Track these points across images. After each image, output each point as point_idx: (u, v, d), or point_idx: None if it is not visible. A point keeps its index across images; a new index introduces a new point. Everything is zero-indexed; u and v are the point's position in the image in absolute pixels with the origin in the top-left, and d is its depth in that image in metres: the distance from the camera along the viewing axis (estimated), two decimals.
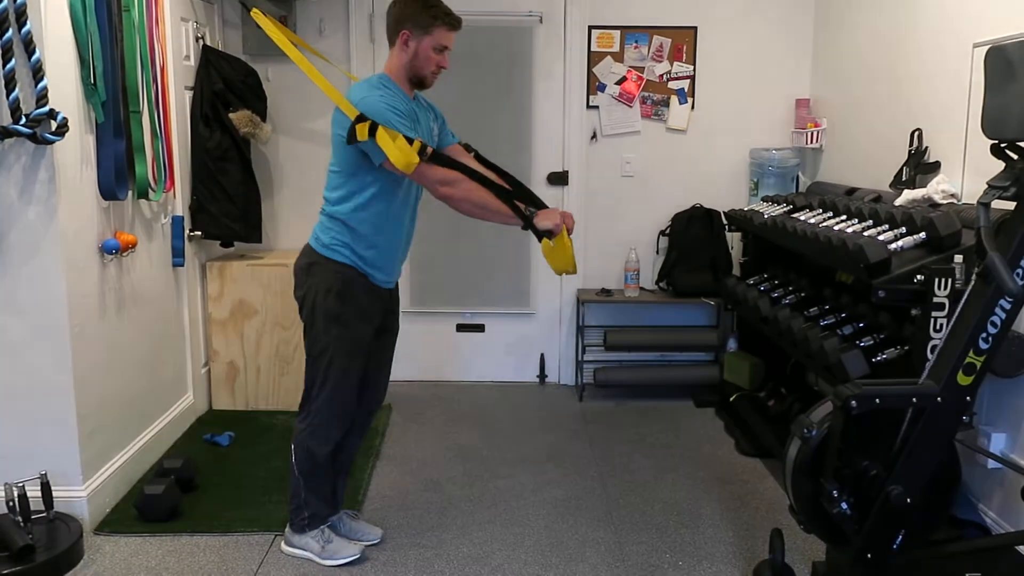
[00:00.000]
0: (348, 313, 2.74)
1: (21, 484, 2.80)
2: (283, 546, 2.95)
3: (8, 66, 2.64)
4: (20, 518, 2.78)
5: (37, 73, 2.69)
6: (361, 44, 4.59)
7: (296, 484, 2.85)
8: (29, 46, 2.67)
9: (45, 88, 2.71)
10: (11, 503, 2.79)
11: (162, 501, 3.09)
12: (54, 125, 2.74)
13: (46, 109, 2.71)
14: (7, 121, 2.67)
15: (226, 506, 3.26)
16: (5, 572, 2.64)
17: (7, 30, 2.62)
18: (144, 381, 3.57)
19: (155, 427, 3.68)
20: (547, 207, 2.78)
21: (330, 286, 2.72)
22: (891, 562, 2.33)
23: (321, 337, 2.75)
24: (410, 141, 2.52)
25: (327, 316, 2.73)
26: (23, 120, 2.67)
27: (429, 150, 2.56)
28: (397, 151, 2.49)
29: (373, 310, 2.83)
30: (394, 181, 2.68)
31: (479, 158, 2.95)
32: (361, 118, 2.53)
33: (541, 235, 2.61)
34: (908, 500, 2.24)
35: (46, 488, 2.87)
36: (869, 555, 2.32)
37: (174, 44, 3.81)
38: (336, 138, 2.67)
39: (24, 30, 2.65)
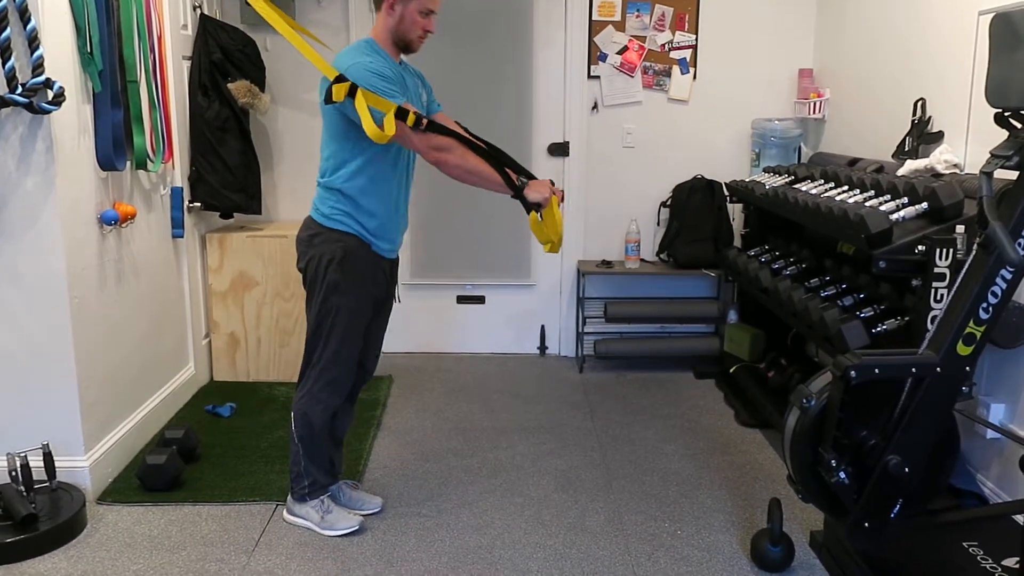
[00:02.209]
0: (349, 282, 2.75)
1: (24, 454, 2.81)
2: (285, 514, 2.97)
3: (3, 35, 2.60)
4: (23, 488, 2.80)
5: (33, 42, 2.67)
6: (360, 12, 4.54)
7: (296, 452, 2.87)
8: (24, 15, 2.64)
9: (41, 57, 2.68)
10: (14, 473, 2.80)
11: (164, 471, 3.10)
12: (50, 95, 2.72)
13: (42, 78, 2.68)
14: (3, 91, 2.65)
15: (227, 476, 3.28)
16: (9, 541, 2.67)
17: None
18: (145, 352, 3.58)
19: (157, 398, 3.69)
20: (534, 177, 2.78)
21: (332, 256, 2.72)
22: (889, 531, 2.35)
23: (322, 307, 2.75)
24: (404, 113, 2.51)
25: (329, 286, 2.73)
26: (19, 89, 2.65)
27: (424, 122, 2.55)
28: (369, 119, 2.47)
29: (374, 279, 2.84)
30: (385, 146, 2.66)
31: (465, 130, 2.94)
32: (340, 79, 2.50)
33: (530, 207, 2.60)
34: (906, 470, 2.25)
35: (48, 458, 2.88)
36: (867, 524, 2.33)
37: (171, 13, 3.77)
38: (325, 108, 2.65)
39: None
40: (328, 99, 2.52)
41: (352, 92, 2.49)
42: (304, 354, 2.85)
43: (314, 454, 2.87)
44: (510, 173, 2.65)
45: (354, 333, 2.82)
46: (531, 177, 2.76)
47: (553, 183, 2.81)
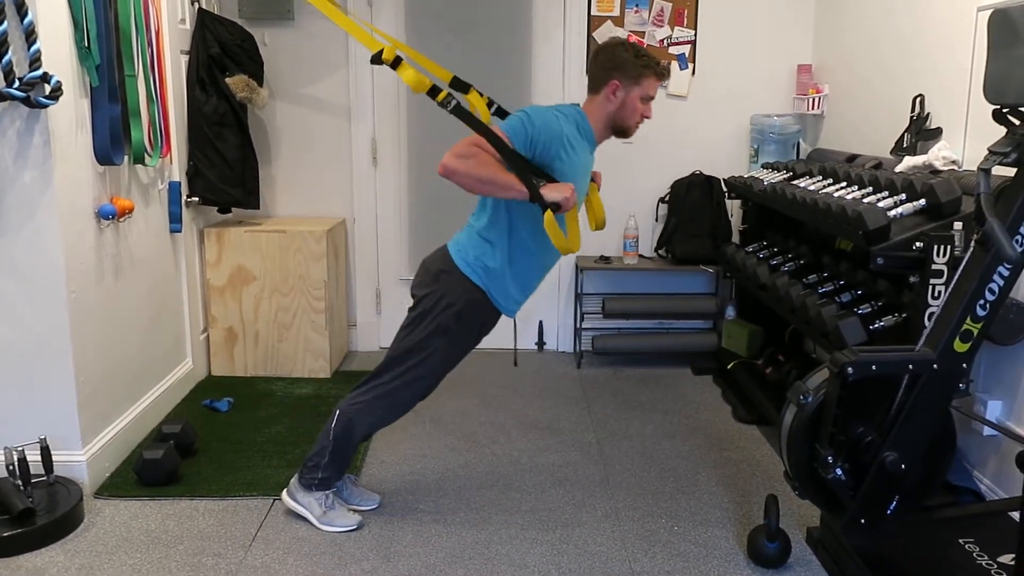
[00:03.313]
0: (459, 331, 2.74)
1: (21, 448, 2.82)
2: (284, 496, 2.96)
3: (0, 29, 2.60)
4: (20, 482, 2.80)
5: (30, 36, 2.66)
6: (359, 12, 4.53)
7: (324, 446, 2.84)
8: (21, 8, 2.63)
9: (38, 51, 2.67)
10: (11, 467, 2.81)
11: (161, 465, 3.10)
12: (48, 89, 2.71)
13: (39, 72, 2.68)
14: (0, 85, 2.64)
15: (225, 471, 3.28)
16: (6, 535, 2.67)
17: None
18: (143, 347, 3.58)
19: (154, 392, 3.69)
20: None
21: (453, 301, 2.70)
22: (885, 528, 2.35)
23: (423, 341, 2.73)
24: (437, 91, 2.50)
25: (438, 327, 2.71)
26: (16, 84, 2.64)
27: (452, 103, 2.50)
28: (413, 74, 2.48)
29: (481, 333, 2.84)
30: (537, 215, 2.58)
31: None
32: (391, 51, 2.52)
33: (546, 206, 2.53)
34: (903, 466, 2.25)
35: (46, 452, 2.89)
36: (863, 521, 2.33)
37: (169, 7, 3.76)
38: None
39: None
40: (376, 59, 2.52)
41: (395, 64, 2.49)
42: (379, 366, 2.82)
43: (339, 456, 2.86)
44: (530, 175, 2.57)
45: (436, 375, 2.82)
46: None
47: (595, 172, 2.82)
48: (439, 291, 2.71)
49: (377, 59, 2.54)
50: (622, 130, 2.75)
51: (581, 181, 2.74)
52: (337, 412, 2.83)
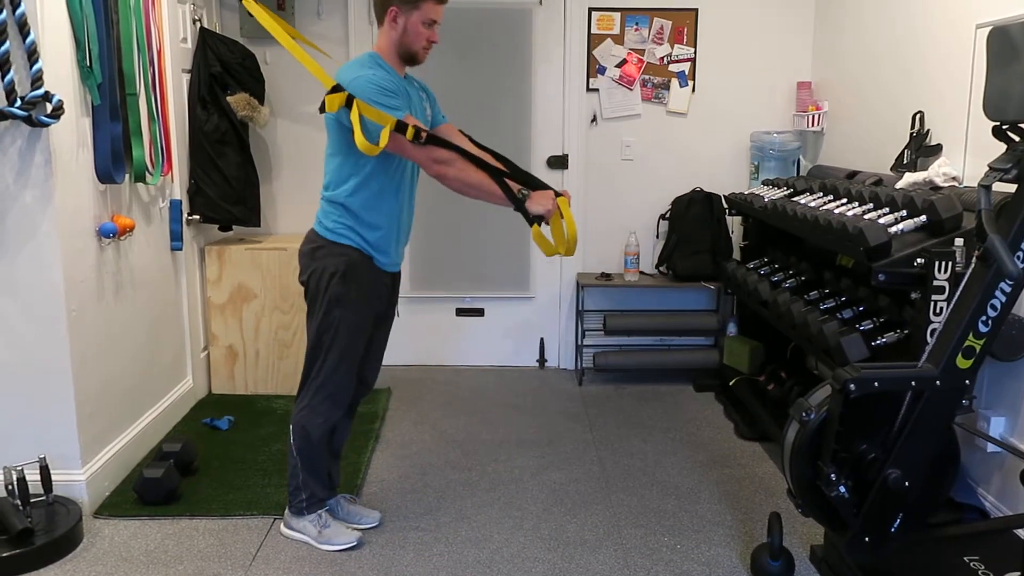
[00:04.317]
0: (352, 296, 2.75)
1: (20, 468, 2.80)
2: (282, 528, 2.96)
3: (2, 48, 2.61)
4: (19, 501, 2.78)
5: (32, 55, 2.67)
6: (360, 26, 4.56)
7: (294, 465, 2.86)
8: (23, 28, 2.64)
9: (40, 70, 2.69)
10: (10, 487, 2.79)
11: (161, 484, 3.09)
12: (49, 108, 2.72)
13: (41, 91, 2.69)
14: (2, 104, 2.65)
15: (225, 489, 3.27)
16: (4, 555, 2.65)
17: (0, 11, 2.59)
18: (143, 365, 3.57)
19: (154, 411, 3.68)
20: (547, 186, 2.77)
21: (335, 269, 2.72)
22: (889, 546, 2.34)
23: (324, 320, 2.75)
24: (403, 127, 2.51)
25: (331, 299, 2.73)
26: (18, 103, 2.65)
27: (424, 135, 2.54)
28: (359, 131, 2.49)
29: (376, 293, 2.84)
30: (388, 161, 2.67)
31: (472, 140, 2.94)
32: (336, 88, 2.52)
33: (532, 220, 2.59)
34: (906, 484, 2.24)
35: (45, 472, 2.87)
36: (867, 538, 2.32)
37: (171, 26, 3.79)
38: (329, 122, 2.66)
39: (18, 12, 2.63)
40: (322, 109, 2.55)
41: (348, 103, 2.50)
42: (304, 367, 2.84)
43: (312, 467, 2.86)
44: (511, 186, 2.63)
45: (355, 347, 2.82)
46: (543, 186, 2.75)
47: (557, 192, 2.81)
48: (319, 267, 2.74)
49: (323, 108, 2.58)
50: (410, 56, 2.75)
51: (419, 110, 2.79)
52: (290, 427, 2.85)
